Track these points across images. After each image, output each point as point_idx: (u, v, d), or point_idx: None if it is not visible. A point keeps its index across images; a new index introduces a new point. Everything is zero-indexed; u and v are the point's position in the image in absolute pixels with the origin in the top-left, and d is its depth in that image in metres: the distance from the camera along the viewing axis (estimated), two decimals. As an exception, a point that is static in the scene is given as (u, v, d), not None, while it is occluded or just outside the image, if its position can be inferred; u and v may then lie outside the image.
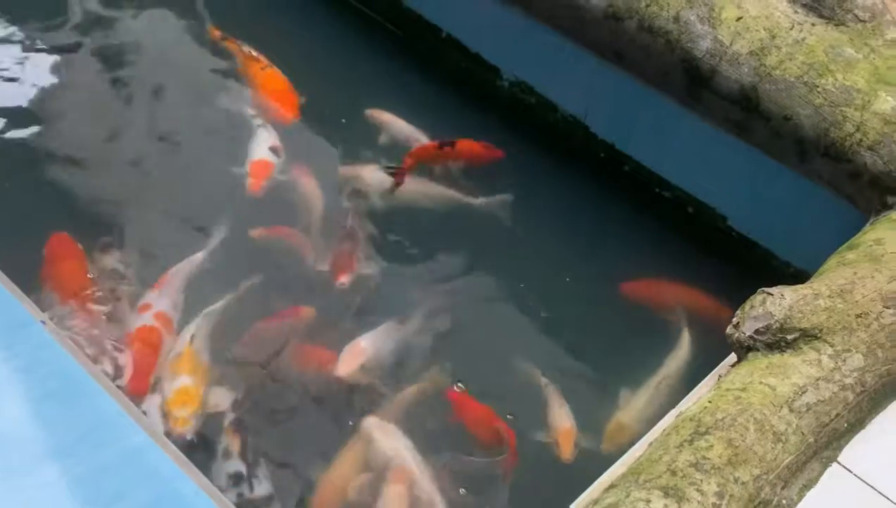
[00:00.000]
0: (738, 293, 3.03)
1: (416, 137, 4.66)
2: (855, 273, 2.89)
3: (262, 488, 3.21)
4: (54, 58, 4.72)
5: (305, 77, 4.80)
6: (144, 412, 3.13)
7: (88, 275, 3.71)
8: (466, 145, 4.51)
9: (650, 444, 2.52)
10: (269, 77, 4.72)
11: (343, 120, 4.68)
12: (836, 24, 3.63)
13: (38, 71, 4.63)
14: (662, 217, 4.33)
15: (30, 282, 3.41)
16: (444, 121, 4.74)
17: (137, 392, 3.26)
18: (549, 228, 4.34)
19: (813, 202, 3.77)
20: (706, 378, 2.93)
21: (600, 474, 2.68)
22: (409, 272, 4.09)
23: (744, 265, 4.11)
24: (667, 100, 4.01)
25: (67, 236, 3.81)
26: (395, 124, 4.72)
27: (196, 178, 4.29)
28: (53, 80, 4.60)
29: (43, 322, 2.65)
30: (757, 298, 2.80)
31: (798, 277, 3.81)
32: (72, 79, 4.66)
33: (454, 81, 4.88)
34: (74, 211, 4.02)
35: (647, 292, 4.08)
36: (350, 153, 4.53)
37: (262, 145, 4.34)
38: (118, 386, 2.64)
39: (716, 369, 2.96)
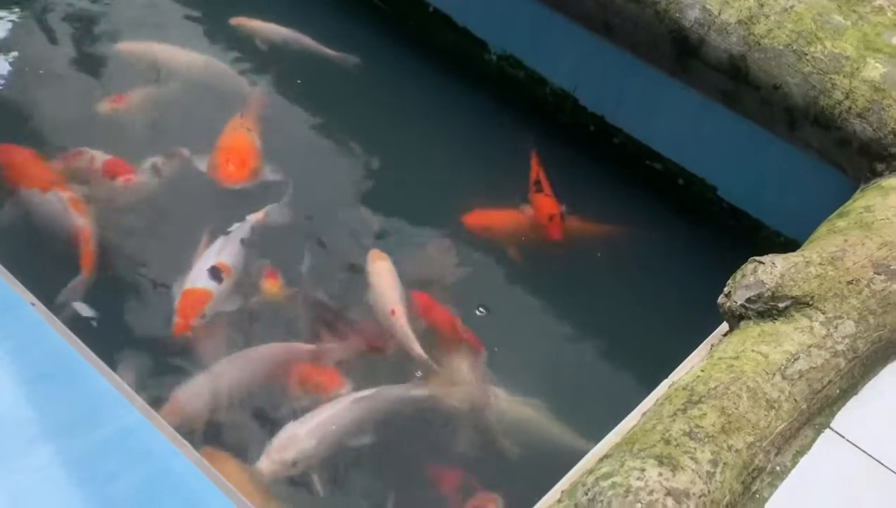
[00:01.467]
0: (728, 263, 3.04)
1: (293, 37, 4.68)
2: (845, 240, 2.89)
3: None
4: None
5: (291, 56, 4.77)
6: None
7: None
8: (544, 204, 4.22)
9: (643, 414, 2.53)
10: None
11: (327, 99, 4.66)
12: (825, -8, 3.62)
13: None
14: (653, 189, 4.33)
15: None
16: (431, 97, 4.72)
17: None
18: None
19: (802, 171, 3.77)
20: (698, 348, 2.93)
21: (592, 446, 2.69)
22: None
23: (734, 235, 4.12)
24: (656, 71, 3.99)
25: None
26: (266, 29, 4.70)
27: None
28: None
29: (33, 304, 2.63)
30: (748, 267, 2.80)
31: (788, 246, 3.82)
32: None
33: (441, 56, 4.85)
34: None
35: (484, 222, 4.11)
36: (337, 133, 4.51)
37: (204, 265, 3.66)
38: (110, 366, 2.62)
39: (708, 338, 2.96)
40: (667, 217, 4.28)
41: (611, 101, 4.37)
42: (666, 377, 2.83)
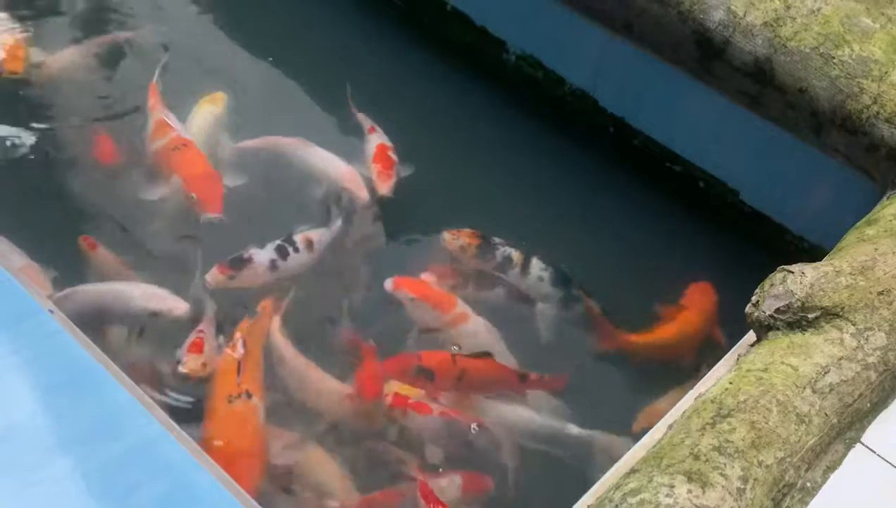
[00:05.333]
0: (751, 268, 2.99)
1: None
2: (876, 249, 2.84)
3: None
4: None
5: (303, 51, 4.72)
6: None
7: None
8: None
9: (670, 427, 2.48)
10: None
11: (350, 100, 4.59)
12: (852, -6, 3.56)
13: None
14: (673, 192, 4.28)
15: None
16: (448, 96, 4.68)
17: None
18: (556, 205, 4.29)
19: (827, 176, 3.72)
20: (724, 358, 2.88)
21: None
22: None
23: (757, 240, 4.07)
24: (678, 73, 3.93)
25: None
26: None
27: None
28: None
29: (51, 311, 2.60)
30: (777, 276, 2.75)
31: (812, 251, 3.78)
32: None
33: (459, 56, 4.80)
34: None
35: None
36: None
37: None
38: (129, 375, 2.59)
39: (734, 348, 2.91)
40: (687, 221, 4.22)
41: (631, 102, 4.32)
42: (691, 387, 2.79)
